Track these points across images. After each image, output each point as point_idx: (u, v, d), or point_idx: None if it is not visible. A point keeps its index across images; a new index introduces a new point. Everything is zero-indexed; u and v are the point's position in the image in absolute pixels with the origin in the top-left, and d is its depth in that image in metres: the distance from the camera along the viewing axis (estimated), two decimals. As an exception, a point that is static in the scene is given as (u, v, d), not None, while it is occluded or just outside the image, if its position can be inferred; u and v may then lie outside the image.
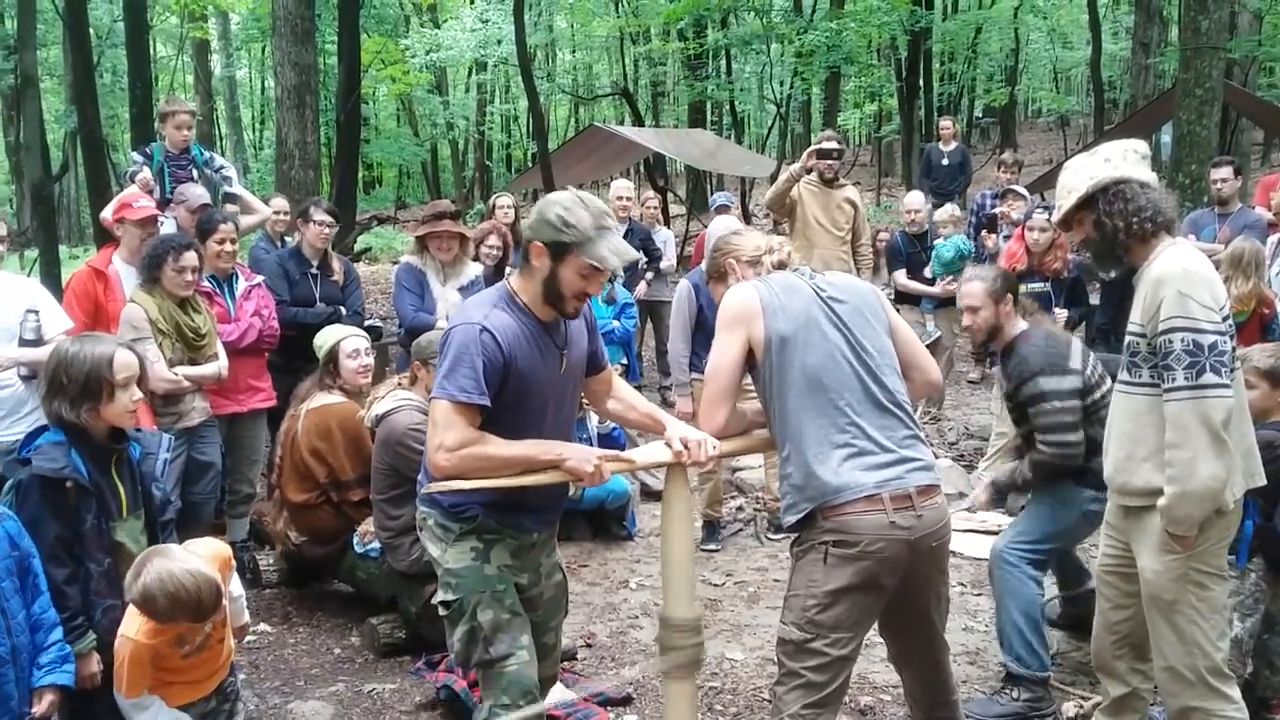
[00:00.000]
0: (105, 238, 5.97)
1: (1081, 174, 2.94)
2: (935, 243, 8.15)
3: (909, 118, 20.90)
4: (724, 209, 8.55)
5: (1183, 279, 2.73)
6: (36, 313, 4.34)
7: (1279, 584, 3.57)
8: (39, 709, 2.65)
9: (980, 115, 28.13)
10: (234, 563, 3.12)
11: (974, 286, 4.04)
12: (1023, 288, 6.47)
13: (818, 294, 2.86)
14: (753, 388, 2.94)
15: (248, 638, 4.24)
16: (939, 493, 2.79)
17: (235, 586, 3.08)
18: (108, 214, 5.41)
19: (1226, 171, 6.98)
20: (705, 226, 8.64)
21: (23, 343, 4.27)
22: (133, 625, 2.76)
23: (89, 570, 2.85)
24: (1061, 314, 6.45)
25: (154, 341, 4.63)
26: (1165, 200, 2.91)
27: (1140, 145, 2.98)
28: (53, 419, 2.92)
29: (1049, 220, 6.21)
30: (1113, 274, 3.16)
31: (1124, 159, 2.91)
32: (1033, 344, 3.91)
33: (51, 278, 9.53)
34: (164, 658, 2.78)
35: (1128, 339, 2.90)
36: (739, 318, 2.83)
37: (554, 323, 2.87)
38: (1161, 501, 2.76)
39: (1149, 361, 2.81)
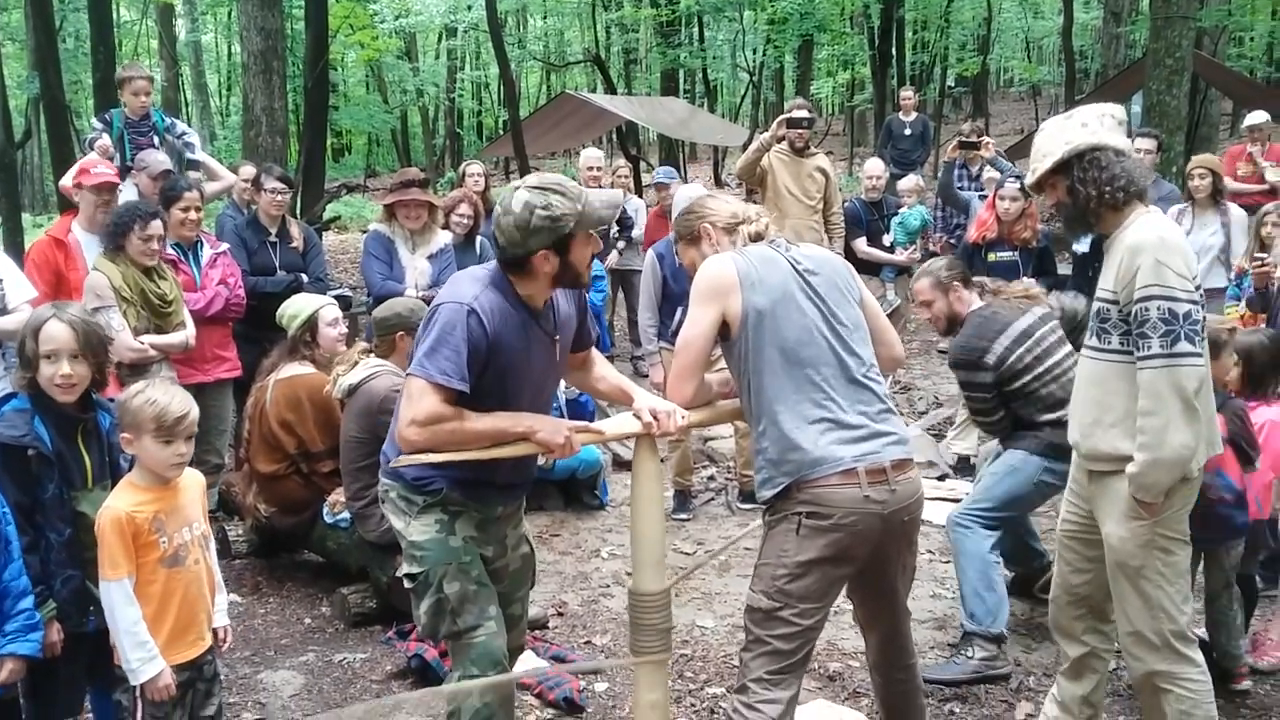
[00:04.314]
0: (67, 206, 5.88)
1: (1057, 138, 2.93)
2: (898, 210, 8.17)
3: (881, 86, 20.88)
4: (664, 186, 8.52)
5: (1159, 247, 2.74)
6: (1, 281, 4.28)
7: (1215, 561, 3.68)
8: (1, 677, 2.63)
9: (953, 85, 28.15)
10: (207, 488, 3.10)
11: (922, 283, 4.28)
12: (991, 256, 6.56)
13: (793, 266, 2.84)
14: (721, 359, 2.94)
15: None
16: (913, 467, 2.81)
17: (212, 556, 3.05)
18: (67, 181, 5.33)
19: (1150, 143, 7.00)
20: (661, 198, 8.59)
21: (-15, 312, 4.22)
22: (113, 498, 2.75)
23: (49, 540, 2.82)
24: (1029, 283, 6.49)
25: (118, 310, 4.57)
26: (1139, 169, 2.92)
27: (1118, 110, 2.97)
28: (18, 385, 2.90)
29: (1020, 189, 6.25)
30: (1084, 243, 3.18)
31: (1100, 124, 2.90)
32: (960, 335, 4.14)
33: (15, 246, 9.39)
34: (145, 550, 2.72)
35: (1097, 305, 2.91)
36: (715, 290, 2.80)
37: (545, 309, 2.85)
38: (1131, 468, 2.78)
39: (1119, 328, 2.82)
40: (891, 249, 8.05)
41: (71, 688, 2.99)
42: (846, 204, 7.93)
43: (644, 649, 2.84)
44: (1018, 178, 6.40)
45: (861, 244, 8.07)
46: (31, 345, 2.84)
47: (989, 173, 7.87)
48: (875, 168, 8.50)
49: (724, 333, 2.83)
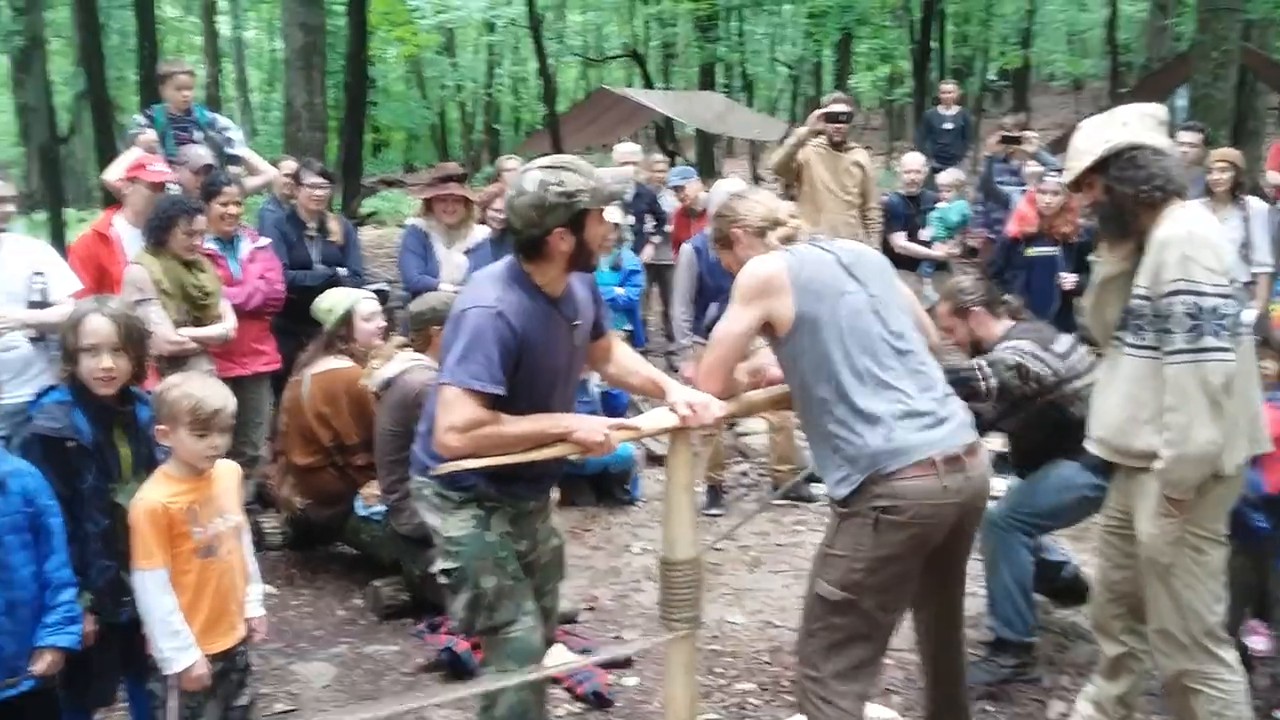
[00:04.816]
0: (111, 200, 5.96)
1: (1096, 137, 2.91)
2: (936, 205, 8.09)
3: (921, 80, 20.67)
4: (679, 188, 8.44)
5: (1186, 241, 2.71)
6: (43, 274, 4.34)
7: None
8: (38, 668, 2.67)
9: (994, 78, 27.80)
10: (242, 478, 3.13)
11: (943, 308, 4.10)
12: (1031, 250, 6.49)
13: (839, 262, 2.84)
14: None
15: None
16: (983, 448, 2.81)
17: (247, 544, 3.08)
18: (115, 174, 5.39)
19: (1195, 137, 6.88)
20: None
21: (30, 305, 4.28)
22: (147, 489, 2.79)
23: (87, 530, 2.86)
24: (1069, 279, 6.41)
25: (158, 303, 4.63)
26: (1178, 168, 2.88)
27: (1159, 110, 2.94)
28: (59, 378, 2.94)
29: (1060, 183, 6.18)
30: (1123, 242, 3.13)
31: (1140, 123, 2.88)
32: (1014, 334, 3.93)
33: (58, 240, 9.53)
34: (179, 540, 2.76)
35: (1133, 302, 2.87)
36: (761, 291, 2.79)
37: (564, 296, 2.86)
38: (1157, 464, 2.75)
39: (1154, 325, 2.79)
40: (930, 244, 7.97)
41: (105, 677, 3.03)
42: (884, 198, 7.87)
43: (675, 622, 2.84)
44: (1059, 171, 6.33)
45: (900, 239, 7.99)
46: (72, 338, 2.88)
47: (1030, 167, 7.78)
48: (914, 161, 8.42)
49: (772, 333, 2.82)
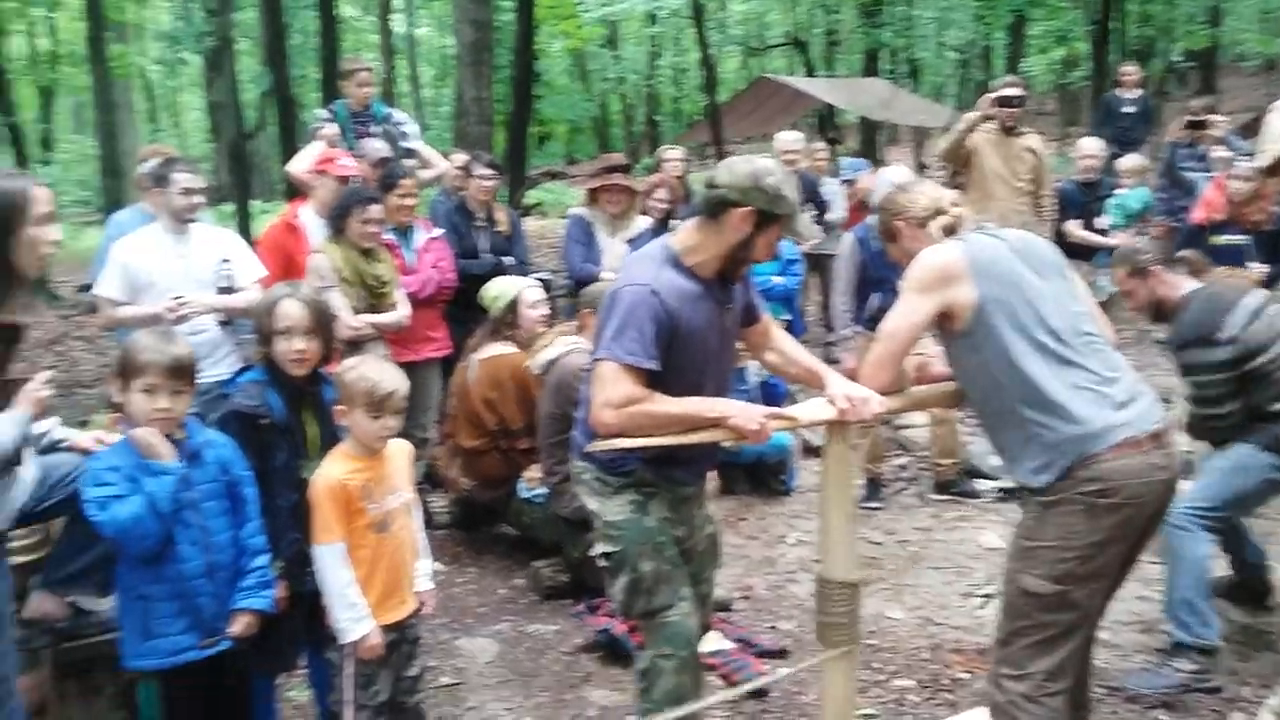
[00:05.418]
0: (294, 193, 6.28)
1: None
2: (1115, 192, 7.72)
3: (1100, 62, 19.71)
4: (850, 182, 8.24)
5: None
6: (229, 262, 4.61)
7: None
8: (235, 629, 2.84)
9: (1178, 59, 26.28)
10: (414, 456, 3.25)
11: (1119, 271, 3.95)
12: (1218, 239, 6.13)
13: (1011, 249, 2.79)
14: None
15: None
16: (1174, 426, 2.76)
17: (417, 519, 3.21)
18: (301, 166, 5.65)
19: None
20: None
21: (218, 291, 4.56)
22: (326, 466, 2.93)
23: (278, 505, 3.01)
24: (1259, 269, 6.04)
25: (338, 290, 4.86)
26: None
27: None
28: (255, 358, 3.13)
29: (1255, 168, 5.81)
30: None
31: None
32: (1187, 313, 3.76)
33: (243, 231, 10.08)
34: (355, 516, 2.89)
35: None
36: (939, 280, 2.74)
37: (717, 281, 2.87)
38: None
39: None
40: (1107, 232, 7.62)
41: (289, 644, 3.19)
42: (1059, 185, 7.56)
43: (831, 641, 2.81)
44: (1249, 156, 5.96)
45: (1074, 227, 7.66)
46: (268, 321, 3.05)
47: (1217, 152, 7.34)
48: (1091, 146, 8.05)
49: (946, 325, 2.77)
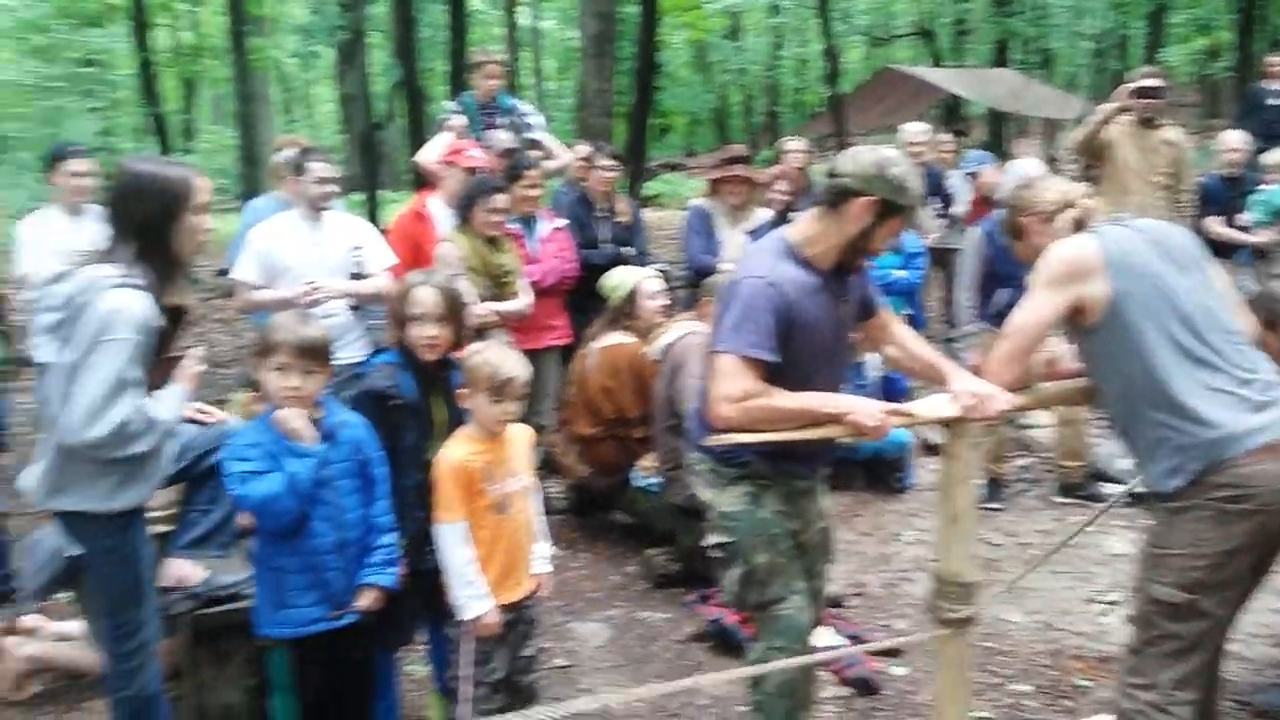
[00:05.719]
0: (422, 183, 6.44)
1: None
2: (1260, 188, 7.35)
3: (1245, 52, 18.78)
4: (973, 174, 7.98)
5: None
6: (361, 249, 4.77)
7: None
8: (362, 603, 2.95)
9: (1333, 48, 24.84)
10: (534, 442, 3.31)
11: (1250, 321, 3.61)
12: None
13: (1149, 240, 2.70)
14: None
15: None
16: None
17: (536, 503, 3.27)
18: (430, 156, 5.78)
19: None
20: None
21: (350, 277, 4.72)
22: (449, 447, 3.01)
23: (405, 484, 3.11)
24: None
25: (464, 278, 4.97)
26: None
27: None
28: (389, 342, 3.24)
29: None
30: None
31: None
32: None
33: (372, 220, 10.35)
34: (475, 496, 2.96)
35: None
36: (1072, 274, 2.67)
37: (834, 273, 2.85)
38: None
39: None
40: (1249, 229, 7.27)
41: (410, 619, 3.29)
42: (1199, 180, 7.25)
43: (944, 622, 2.77)
44: None
45: (1215, 223, 7.34)
46: (402, 307, 3.16)
47: None
48: (1234, 140, 7.70)
49: (1077, 321, 2.70)
